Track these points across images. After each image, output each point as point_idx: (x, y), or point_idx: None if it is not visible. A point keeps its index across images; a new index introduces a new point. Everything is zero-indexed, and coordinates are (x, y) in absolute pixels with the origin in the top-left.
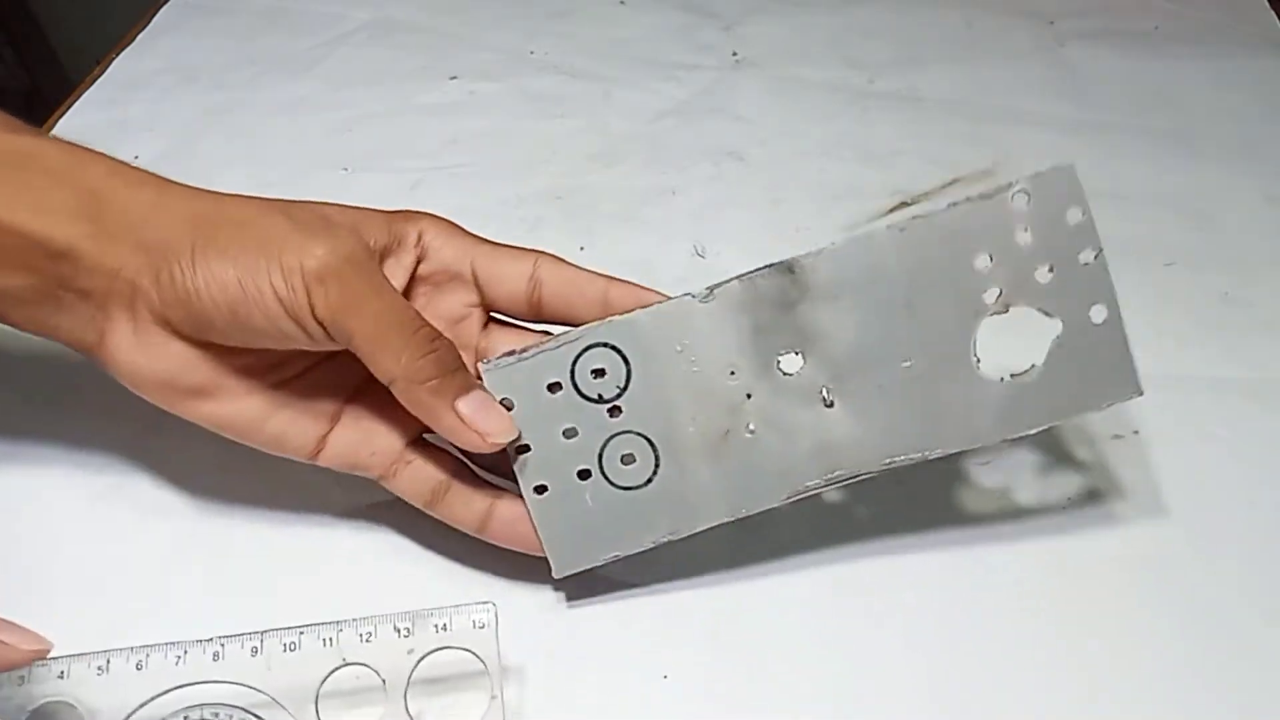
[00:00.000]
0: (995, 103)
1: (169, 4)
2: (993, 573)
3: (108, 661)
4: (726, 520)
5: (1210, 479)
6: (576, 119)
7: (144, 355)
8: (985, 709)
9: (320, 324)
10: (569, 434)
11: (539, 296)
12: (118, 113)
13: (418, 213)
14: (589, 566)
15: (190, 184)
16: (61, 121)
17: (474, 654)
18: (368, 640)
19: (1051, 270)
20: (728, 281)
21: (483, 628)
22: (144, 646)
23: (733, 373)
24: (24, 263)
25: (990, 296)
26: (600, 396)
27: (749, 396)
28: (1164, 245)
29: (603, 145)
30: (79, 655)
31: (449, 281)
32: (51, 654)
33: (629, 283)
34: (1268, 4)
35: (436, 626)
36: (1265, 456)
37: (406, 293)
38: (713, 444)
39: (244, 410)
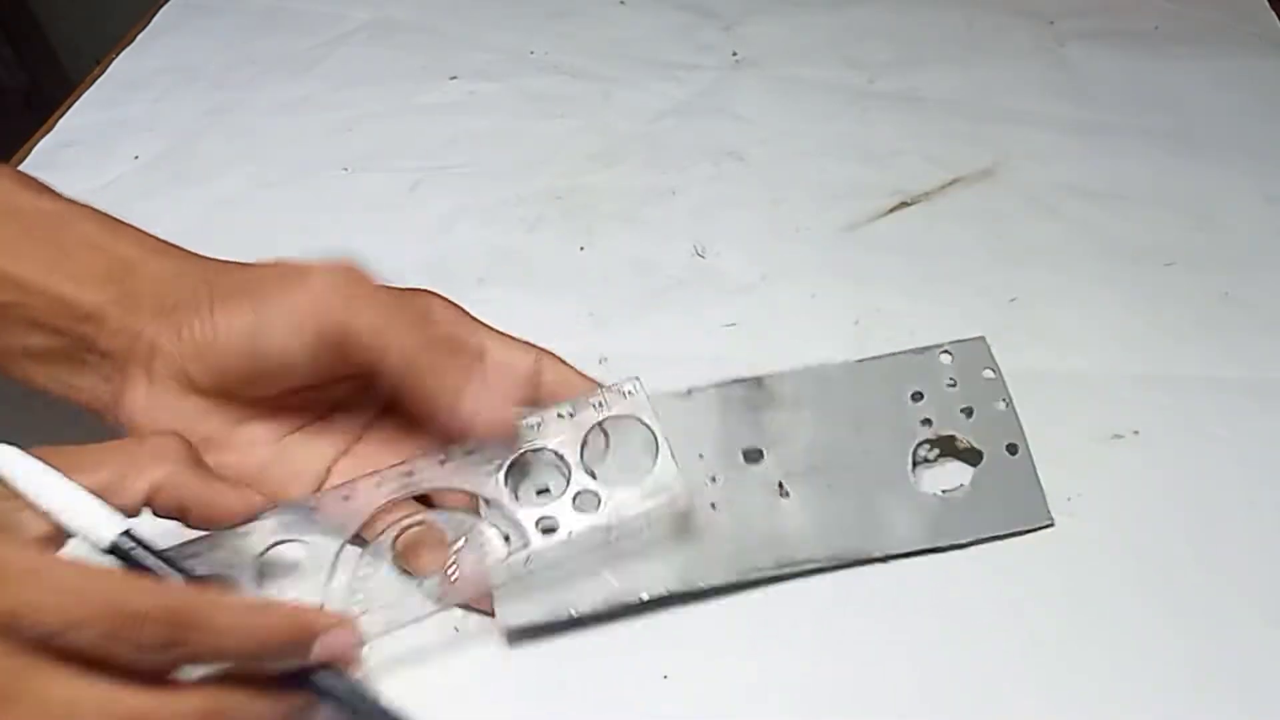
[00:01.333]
0: (995, 103)
1: (169, 4)
2: (993, 573)
3: (319, 501)
4: (676, 590)
5: (1210, 479)
6: (576, 119)
7: (158, 410)
8: (985, 709)
9: (333, 329)
10: (540, 491)
11: (536, 386)
12: (118, 113)
13: (426, 291)
14: (537, 621)
15: (192, 184)
16: (61, 121)
17: (637, 419)
18: (537, 429)
19: (971, 412)
20: (705, 388)
21: (633, 394)
22: (347, 482)
23: (700, 456)
24: (52, 324)
25: (923, 425)
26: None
27: (713, 479)
28: (1164, 245)
29: (603, 145)
30: (291, 503)
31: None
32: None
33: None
34: (1268, 4)
35: (594, 405)
36: (1265, 456)
37: None
38: (675, 517)
39: (247, 461)
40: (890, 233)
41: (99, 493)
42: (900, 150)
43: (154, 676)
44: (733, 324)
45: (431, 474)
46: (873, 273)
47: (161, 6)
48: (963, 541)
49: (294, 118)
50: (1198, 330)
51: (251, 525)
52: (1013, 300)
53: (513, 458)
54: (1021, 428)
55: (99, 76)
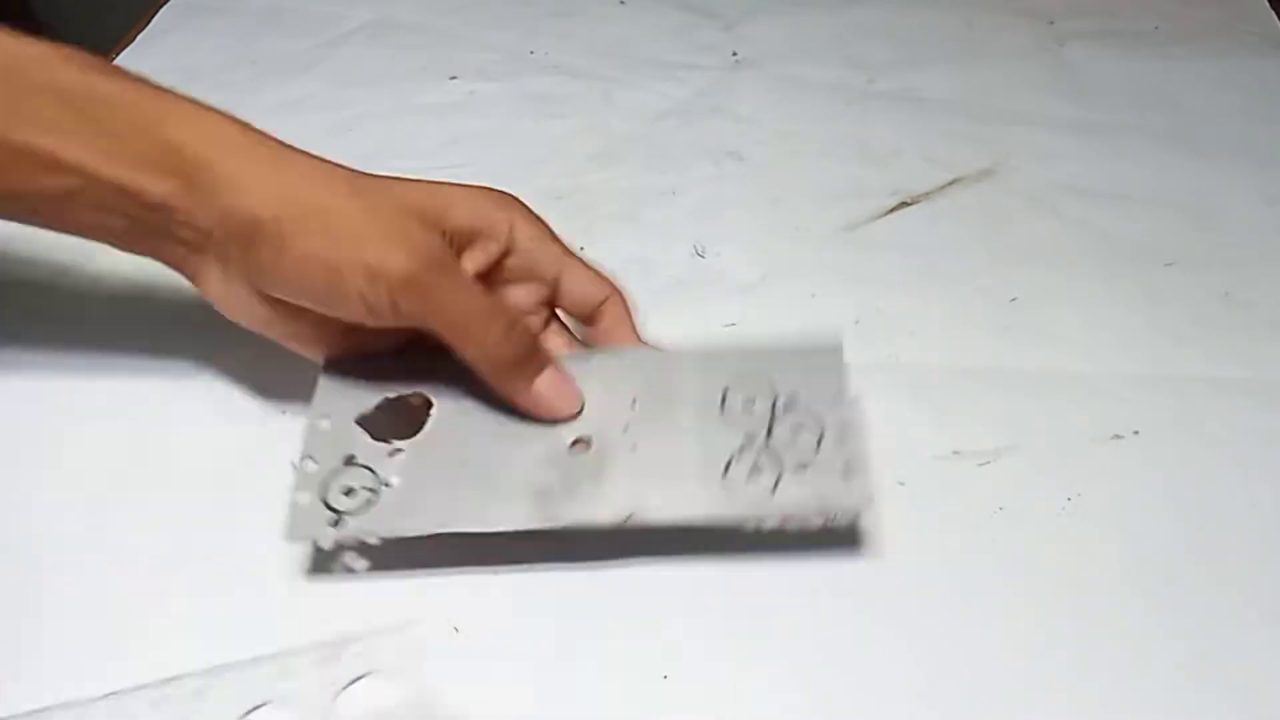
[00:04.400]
0: (995, 103)
1: (169, 4)
2: (992, 573)
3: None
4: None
5: (1210, 479)
6: (576, 119)
7: (232, 301)
8: (983, 710)
9: (402, 318)
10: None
11: (597, 320)
12: None
13: (511, 199)
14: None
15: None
16: None
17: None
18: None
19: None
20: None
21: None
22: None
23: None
24: (123, 210)
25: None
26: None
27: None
28: (1164, 245)
29: (603, 145)
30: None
31: (528, 279)
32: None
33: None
34: (1268, 4)
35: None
36: (1265, 456)
37: (487, 275)
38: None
39: (316, 346)
40: (890, 233)
41: None
42: (900, 150)
43: None
44: (733, 324)
45: None
46: (873, 273)
47: (161, 6)
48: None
49: (294, 118)
50: (1198, 330)
51: None
52: (1013, 300)
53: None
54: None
55: None
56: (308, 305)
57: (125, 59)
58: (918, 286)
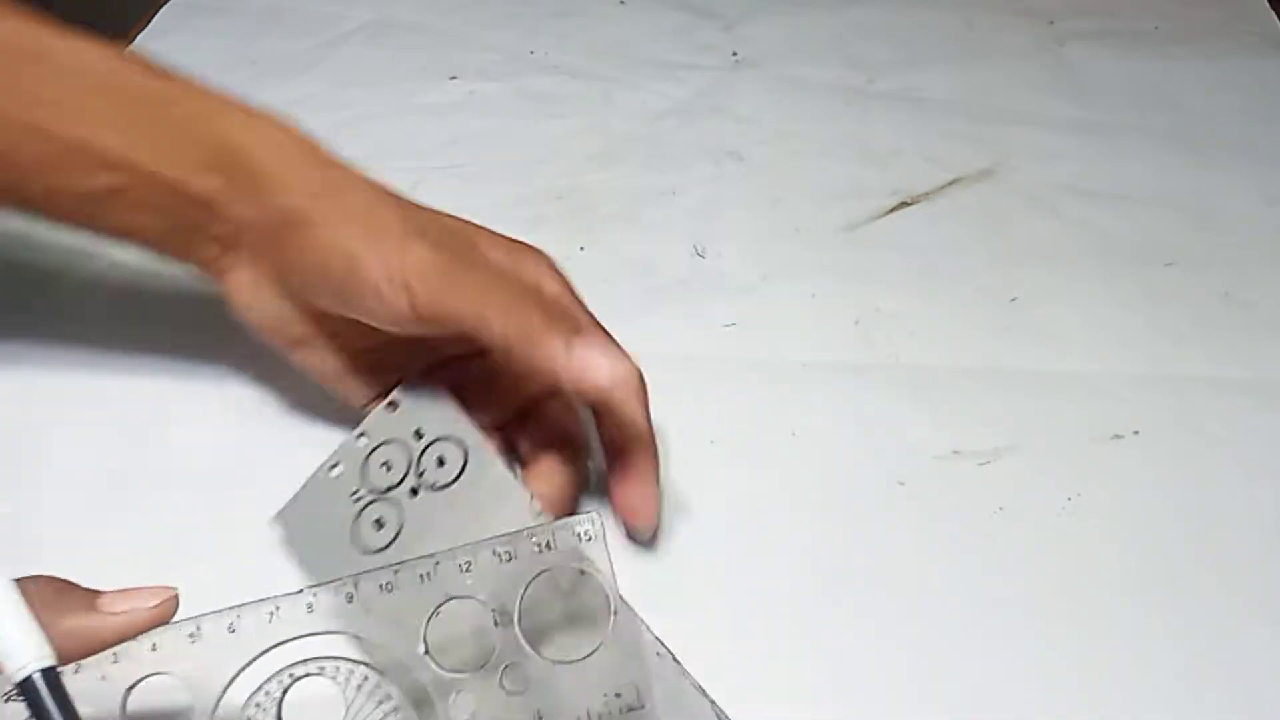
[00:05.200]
0: (995, 103)
1: (169, 4)
2: (992, 573)
3: (199, 627)
4: None
5: (1210, 479)
6: (576, 119)
7: (257, 303)
8: (983, 709)
9: (420, 317)
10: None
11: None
12: None
13: (543, 254)
14: None
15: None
16: None
17: (585, 571)
18: (466, 570)
19: None
20: None
21: (590, 539)
22: (234, 607)
23: None
24: (164, 208)
25: None
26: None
27: None
28: (1164, 245)
29: (603, 145)
30: (168, 625)
31: None
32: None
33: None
34: (1268, 4)
35: (538, 546)
36: (1265, 456)
37: None
38: None
39: (329, 363)
40: (890, 233)
41: None
42: (900, 150)
43: None
44: (733, 324)
45: (334, 615)
46: (873, 273)
47: (161, 6)
48: None
49: (294, 118)
50: (1198, 330)
51: (125, 647)
52: (1013, 300)
53: (438, 605)
54: None
55: None
56: (328, 303)
57: None
58: (918, 286)
